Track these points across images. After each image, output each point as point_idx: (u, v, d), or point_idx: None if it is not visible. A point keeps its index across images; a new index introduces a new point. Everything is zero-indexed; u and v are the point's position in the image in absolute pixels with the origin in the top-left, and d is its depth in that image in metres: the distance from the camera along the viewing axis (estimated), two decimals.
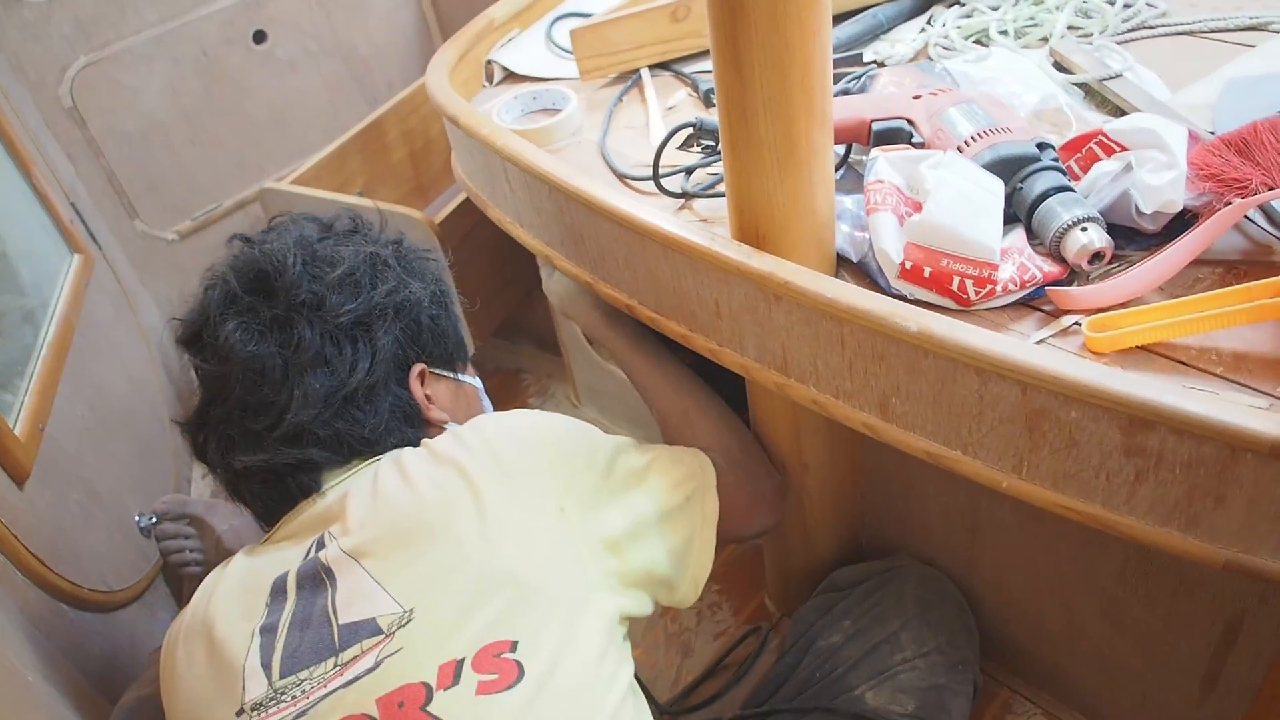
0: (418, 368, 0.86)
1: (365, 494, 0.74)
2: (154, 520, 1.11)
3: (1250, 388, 0.67)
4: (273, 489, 0.80)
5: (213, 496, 1.35)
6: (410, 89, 1.77)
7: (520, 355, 1.84)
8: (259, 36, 1.82)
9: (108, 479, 1.26)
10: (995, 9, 1.16)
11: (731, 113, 0.75)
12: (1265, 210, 0.80)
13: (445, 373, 0.91)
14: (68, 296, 1.33)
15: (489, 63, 1.34)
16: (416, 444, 0.80)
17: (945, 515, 1.07)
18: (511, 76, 1.34)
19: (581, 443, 0.81)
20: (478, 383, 0.97)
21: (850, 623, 1.04)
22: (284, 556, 0.75)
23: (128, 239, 1.77)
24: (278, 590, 0.73)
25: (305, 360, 0.79)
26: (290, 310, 0.80)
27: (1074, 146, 0.85)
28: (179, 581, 1.35)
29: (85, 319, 1.35)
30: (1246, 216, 0.80)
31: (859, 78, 1.06)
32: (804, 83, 0.72)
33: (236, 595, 0.74)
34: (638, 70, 1.25)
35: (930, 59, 1.12)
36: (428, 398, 0.86)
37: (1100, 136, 0.83)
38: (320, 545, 0.73)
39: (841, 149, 0.96)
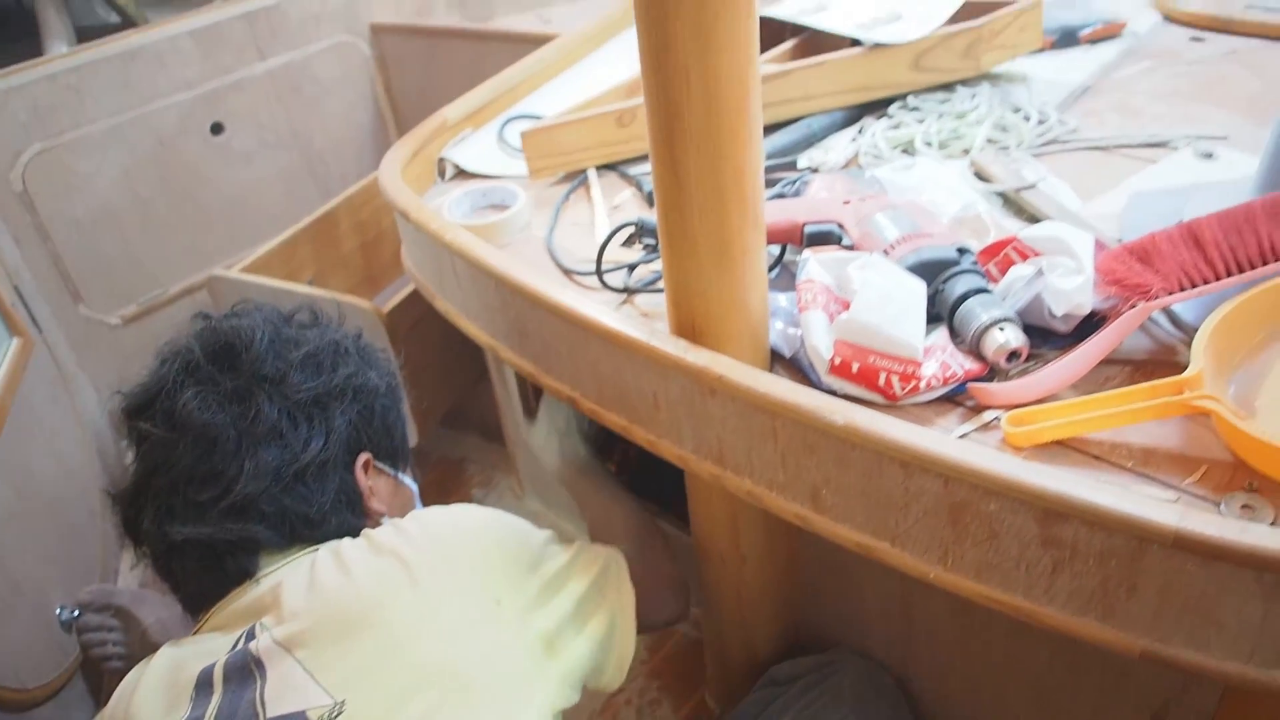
0: (364, 456, 0.87)
1: (301, 583, 0.74)
2: (76, 613, 1.08)
3: (1158, 480, 0.70)
4: (208, 568, 0.79)
5: (141, 587, 1.31)
6: (364, 182, 1.81)
7: (465, 445, 1.84)
8: (216, 128, 1.86)
9: (30, 568, 1.23)
10: (921, 122, 1.24)
11: (669, 214, 0.79)
12: (1168, 313, 0.85)
13: (388, 468, 0.92)
14: (3, 380, 1.31)
15: (441, 160, 1.38)
16: (356, 533, 0.80)
17: (881, 605, 1.08)
18: (463, 173, 1.38)
19: (518, 540, 0.82)
20: (415, 487, 0.98)
21: (789, 718, 1.04)
22: (212, 647, 0.74)
23: (70, 322, 1.76)
24: (203, 683, 0.71)
25: (260, 433, 0.79)
26: (252, 383, 0.81)
27: (992, 251, 0.90)
28: (99, 678, 1.30)
29: (19, 403, 1.33)
30: (1151, 319, 0.85)
31: (794, 182, 1.12)
32: (737, 187, 0.76)
33: (160, 690, 0.73)
34: (585, 170, 1.29)
35: (860, 167, 1.18)
36: (370, 489, 0.87)
37: (1015, 242, 0.88)
38: (250, 636, 0.72)
39: (776, 249, 1.00)
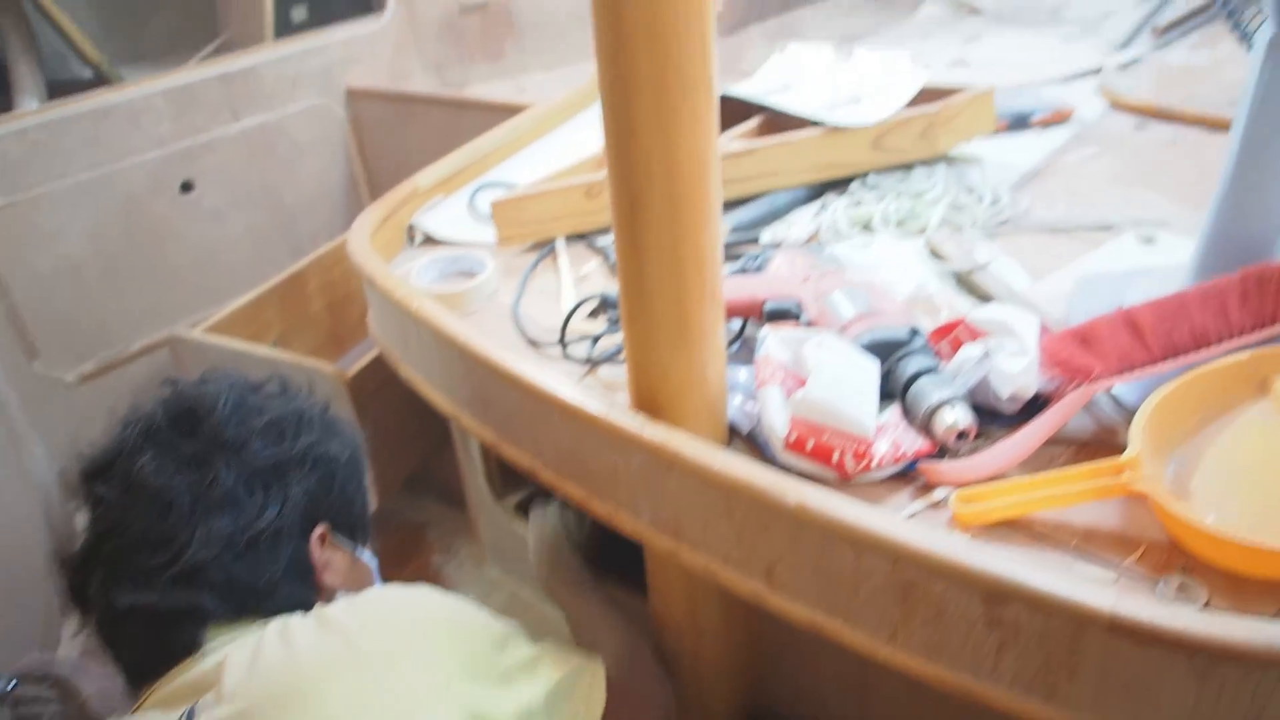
0: (321, 528, 0.87)
1: (245, 660, 0.73)
2: (12, 684, 1.05)
3: (1100, 560, 0.72)
4: (152, 639, 0.77)
5: (81, 657, 1.28)
6: (335, 242, 1.82)
7: (425, 510, 1.83)
8: (186, 186, 1.87)
9: None
10: (880, 200, 1.28)
11: (630, 292, 0.81)
12: (1110, 395, 0.89)
13: (346, 542, 0.91)
14: None
15: (411, 226, 1.40)
16: (307, 606, 0.80)
17: (838, 679, 1.09)
18: (432, 240, 1.40)
19: (475, 629, 0.81)
20: (374, 564, 0.97)
21: None
22: None
23: (24, 379, 1.74)
24: None
25: (215, 499, 0.79)
26: (211, 448, 0.81)
27: (943, 331, 0.93)
28: None
29: None
30: (1094, 400, 0.88)
31: (757, 257, 1.15)
32: (696, 268, 0.78)
33: None
34: (553, 240, 1.32)
35: (821, 243, 1.22)
36: (325, 563, 0.86)
37: (965, 324, 0.91)
38: (191, 716, 0.71)
39: (738, 324, 1.03)
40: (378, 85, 2.03)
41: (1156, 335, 0.84)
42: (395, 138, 2.03)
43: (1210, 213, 0.93)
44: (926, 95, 1.45)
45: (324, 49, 1.99)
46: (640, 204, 0.76)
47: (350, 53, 2.02)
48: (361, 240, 1.24)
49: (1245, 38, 0.97)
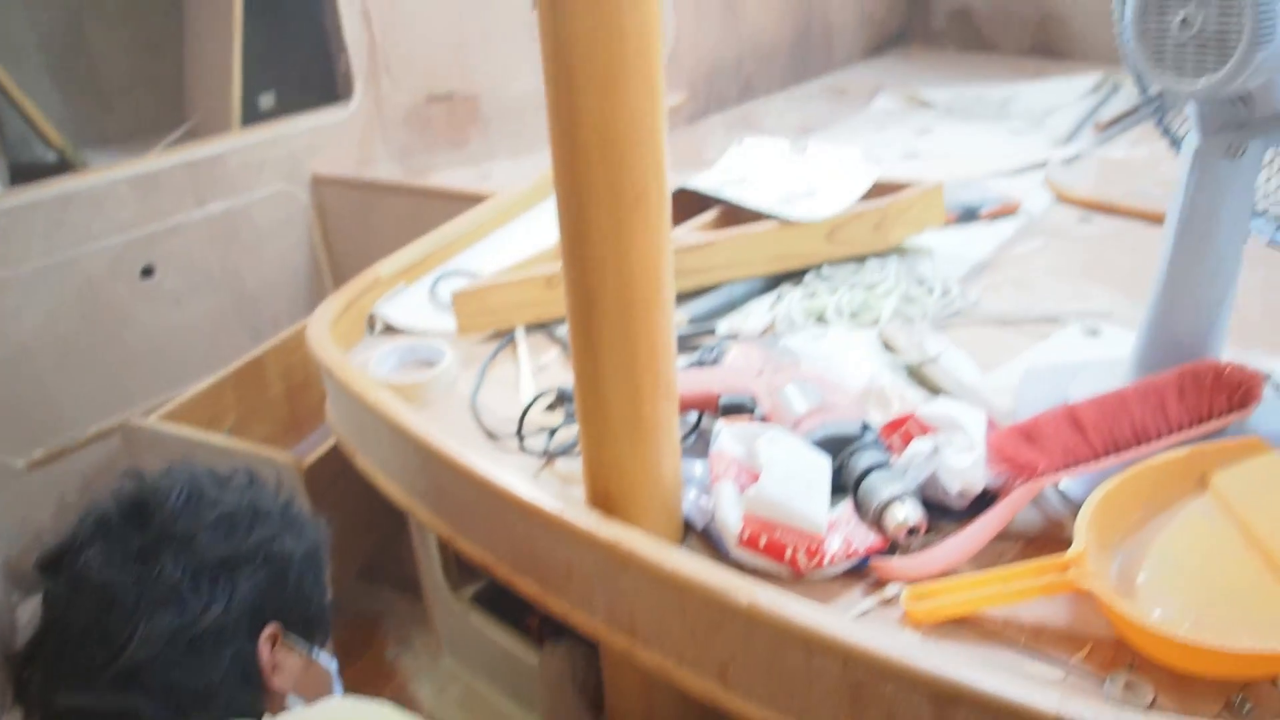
0: (271, 628, 0.84)
1: None
2: None
3: (1048, 658, 0.73)
4: None
5: None
6: (295, 328, 1.82)
7: (381, 599, 1.79)
8: (147, 270, 1.87)
9: None
10: (834, 292, 1.31)
11: (585, 390, 0.82)
12: (1057, 489, 0.90)
13: (300, 644, 0.88)
14: None
15: (372, 315, 1.41)
16: (252, 713, 0.78)
17: None
18: (393, 328, 1.40)
19: None
20: (334, 667, 0.93)
21: None
22: None
23: None
24: None
25: (160, 594, 0.77)
26: (159, 541, 0.79)
27: (894, 426, 0.95)
28: None
29: None
30: (1042, 494, 0.90)
31: (714, 349, 1.16)
32: (650, 369, 0.80)
33: None
34: (513, 329, 1.33)
35: (776, 334, 1.24)
36: (275, 665, 0.83)
37: (915, 418, 0.93)
38: None
39: (694, 416, 1.04)
40: (343, 172, 2.06)
41: (1099, 431, 0.86)
42: (359, 223, 2.05)
43: (1147, 311, 0.96)
44: (879, 189, 1.50)
45: (290, 136, 2.02)
46: (594, 306, 0.78)
47: (316, 140, 2.05)
48: (321, 330, 1.25)
49: (1174, 143, 1.02)
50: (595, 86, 0.70)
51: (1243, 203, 0.91)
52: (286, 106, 2.22)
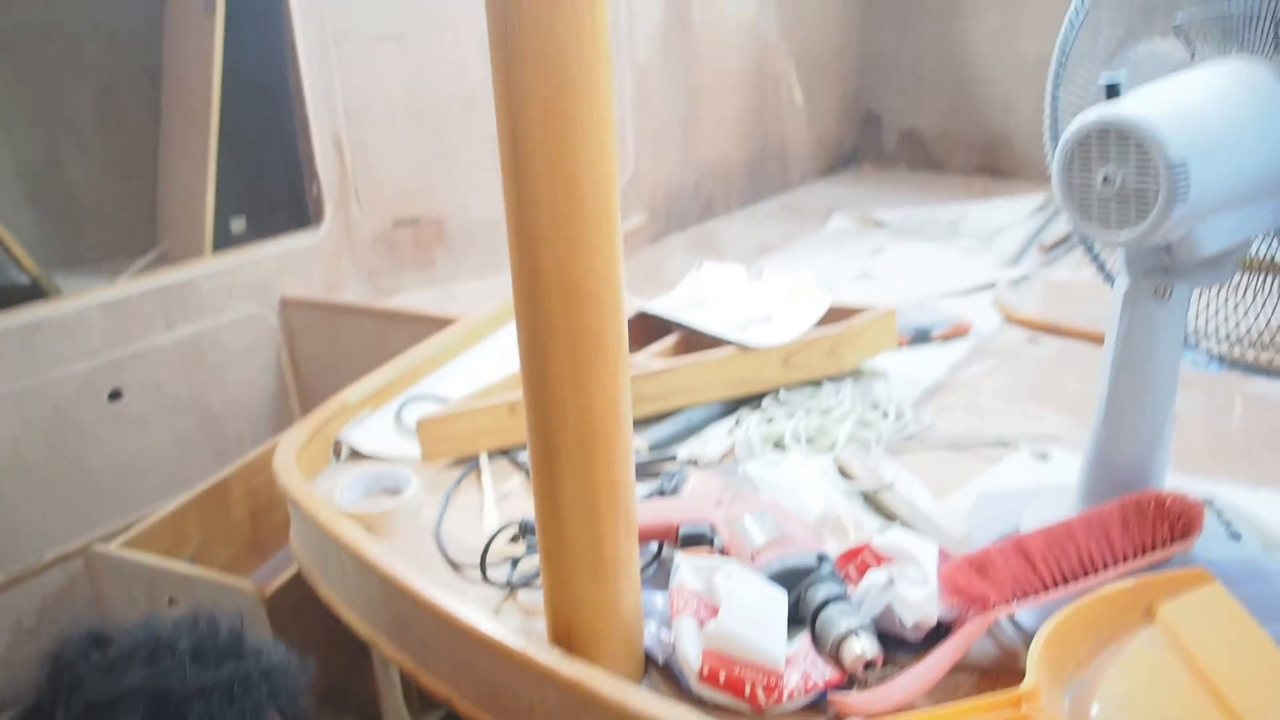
0: None
1: None
2: None
3: None
4: None
5: None
6: (260, 450, 1.82)
7: None
8: (115, 394, 1.87)
9: None
10: (791, 417, 1.34)
11: (546, 528, 0.84)
12: (1011, 619, 0.92)
13: None
14: None
15: (338, 441, 1.42)
16: None
17: None
18: (359, 454, 1.41)
19: None
20: None
21: None
22: None
23: None
24: None
25: None
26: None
27: (850, 556, 0.97)
28: None
29: None
30: (996, 624, 0.92)
31: (674, 477, 1.19)
32: (610, 505, 0.82)
33: None
34: (477, 456, 1.35)
35: (736, 460, 1.27)
36: None
37: (869, 548, 0.95)
38: None
39: (654, 547, 1.05)
40: (311, 295, 2.09)
41: (1047, 562, 0.89)
42: (327, 346, 2.08)
43: (1089, 441, 1.01)
44: (833, 313, 1.56)
45: (261, 261, 2.06)
46: (555, 448, 0.80)
47: (286, 264, 2.09)
48: (288, 459, 1.26)
49: (1108, 278, 1.08)
50: (556, 243, 0.74)
51: (1173, 339, 0.96)
52: (257, 230, 2.27)
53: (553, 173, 0.73)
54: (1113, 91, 0.85)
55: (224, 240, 2.18)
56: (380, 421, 1.47)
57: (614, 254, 0.77)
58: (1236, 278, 0.97)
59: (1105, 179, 0.84)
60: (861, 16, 3.38)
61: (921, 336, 1.66)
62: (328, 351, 2.08)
